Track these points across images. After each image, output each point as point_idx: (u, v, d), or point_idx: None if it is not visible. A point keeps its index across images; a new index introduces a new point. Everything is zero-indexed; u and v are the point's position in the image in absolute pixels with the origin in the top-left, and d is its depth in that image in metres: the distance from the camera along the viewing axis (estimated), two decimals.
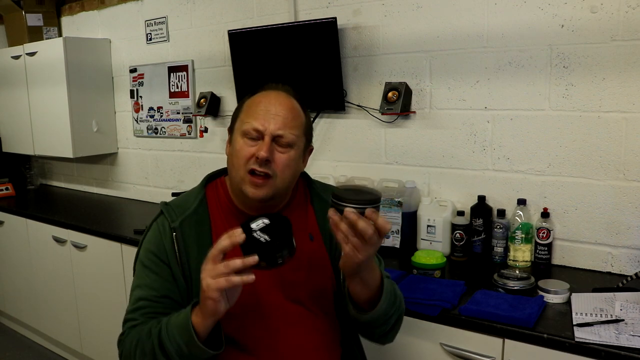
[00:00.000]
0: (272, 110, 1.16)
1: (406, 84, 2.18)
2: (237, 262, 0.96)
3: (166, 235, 1.19)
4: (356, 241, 0.98)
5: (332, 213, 0.99)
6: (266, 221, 1.02)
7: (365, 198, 0.99)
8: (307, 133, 1.24)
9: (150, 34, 3.21)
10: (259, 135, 1.15)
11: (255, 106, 1.18)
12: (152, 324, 1.12)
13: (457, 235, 2.04)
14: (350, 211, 0.97)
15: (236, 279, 0.96)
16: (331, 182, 2.39)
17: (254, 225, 1.00)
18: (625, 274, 1.78)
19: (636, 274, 1.64)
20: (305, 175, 1.34)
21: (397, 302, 1.21)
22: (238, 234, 0.98)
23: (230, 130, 1.24)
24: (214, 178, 1.30)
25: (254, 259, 0.97)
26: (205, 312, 1.01)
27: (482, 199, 2.03)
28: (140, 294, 1.18)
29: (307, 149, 1.26)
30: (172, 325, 1.07)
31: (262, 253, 0.98)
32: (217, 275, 0.96)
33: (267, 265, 0.99)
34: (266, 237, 0.99)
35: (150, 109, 3.29)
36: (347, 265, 1.05)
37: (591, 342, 1.32)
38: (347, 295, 1.16)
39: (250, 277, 0.96)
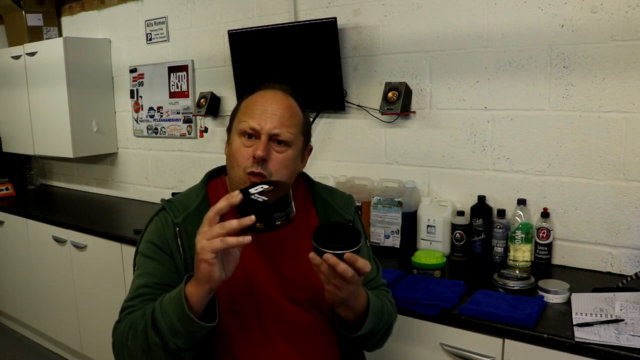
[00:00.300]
0: (269, 109, 1.16)
1: (406, 84, 2.18)
2: (233, 223, 0.94)
3: (169, 228, 1.18)
4: (337, 281, 1.00)
5: (312, 256, 1.00)
6: (265, 186, 1.02)
7: (345, 241, 1.00)
8: (305, 132, 1.23)
9: (150, 34, 3.21)
10: (256, 135, 1.15)
11: (252, 105, 1.18)
12: (147, 305, 1.08)
13: (457, 235, 2.04)
14: (330, 255, 0.98)
15: (232, 240, 0.93)
16: (331, 182, 2.39)
17: (252, 190, 1.00)
18: (625, 274, 1.78)
19: (636, 274, 1.64)
20: (305, 177, 1.34)
21: (384, 317, 1.22)
22: (235, 195, 0.97)
23: (229, 130, 1.24)
24: (215, 176, 1.30)
25: (250, 218, 0.94)
26: (199, 278, 0.98)
27: (482, 199, 2.03)
28: (140, 282, 1.15)
29: (306, 148, 1.26)
30: (166, 300, 1.03)
31: (260, 213, 0.96)
32: (213, 236, 0.94)
33: (265, 226, 0.97)
34: (264, 198, 0.98)
35: (150, 109, 3.29)
36: (330, 300, 1.08)
37: (591, 342, 1.32)
38: (335, 316, 1.18)
39: (246, 238, 0.94)
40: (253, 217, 0.95)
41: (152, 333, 1.02)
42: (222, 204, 0.97)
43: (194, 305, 0.99)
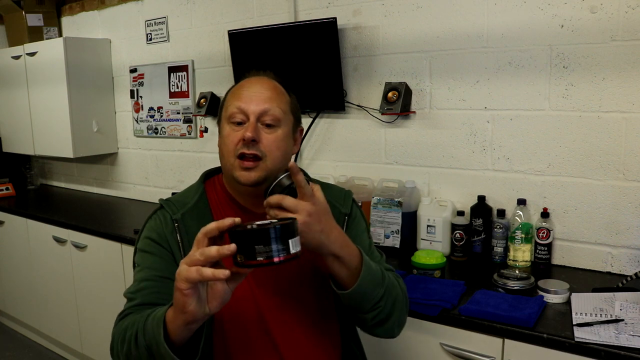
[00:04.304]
0: (255, 90, 1.17)
1: (406, 84, 2.18)
2: (212, 250, 0.85)
3: (167, 225, 1.18)
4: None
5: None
6: (274, 221, 0.90)
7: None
8: (295, 112, 1.23)
9: (151, 34, 3.21)
10: (244, 119, 1.14)
11: (239, 90, 1.19)
12: (145, 312, 1.04)
13: (457, 235, 2.04)
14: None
15: (207, 272, 0.83)
16: (331, 182, 2.39)
17: (258, 222, 0.88)
18: (625, 274, 1.79)
19: (636, 274, 1.64)
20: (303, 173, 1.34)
21: (385, 282, 1.14)
22: (226, 219, 0.88)
23: (219, 122, 1.24)
24: (212, 175, 1.30)
25: (229, 247, 0.84)
26: (175, 306, 0.90)
27: (482, 199, 2.03)
28: (142, 276, 1.14)
29: (297, 129, 1.25)
30: (152, 317, 0.99)
31: (242, 242, 0.84)
32: (192, 262, 0.87)
33: (244, 259, 0.84)
34: (254, 225, 0.85)
35: (151, 109, 3.29)
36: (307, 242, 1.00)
37: (591, 342, 1.32)
38: (329, 275, 1.12)
39: (223, 272, 0.83)
40: (234, 246, 0.84)
41: (134, 346, 1.00)
42: (211, 225, 0.89)
43: (171, 332, 0.93)
